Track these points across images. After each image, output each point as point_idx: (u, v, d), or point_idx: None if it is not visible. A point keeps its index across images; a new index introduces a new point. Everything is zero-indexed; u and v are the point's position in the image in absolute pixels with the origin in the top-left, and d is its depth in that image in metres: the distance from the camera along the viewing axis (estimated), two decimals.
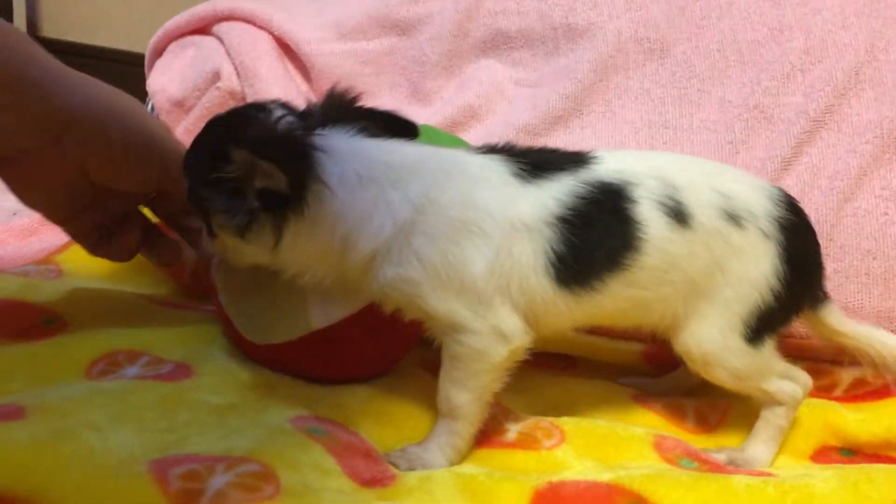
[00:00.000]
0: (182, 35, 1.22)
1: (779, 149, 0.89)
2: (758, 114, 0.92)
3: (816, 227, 0.85)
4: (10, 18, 2.09)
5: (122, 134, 0.65)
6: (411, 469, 0.63)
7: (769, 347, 0.71)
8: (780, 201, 0.71)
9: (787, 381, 0.73)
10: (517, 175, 0.65)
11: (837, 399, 0.83)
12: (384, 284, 0.63)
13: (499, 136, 0.93)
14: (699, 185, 0.69)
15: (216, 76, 1.10)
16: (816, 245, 0.75)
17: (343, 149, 0.63)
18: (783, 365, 0.73)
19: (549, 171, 0.66)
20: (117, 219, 0.73)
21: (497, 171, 0.65)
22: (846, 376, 0.84)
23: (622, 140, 0.93)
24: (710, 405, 0.80)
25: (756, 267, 0.69)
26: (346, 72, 1.07)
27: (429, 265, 0.62)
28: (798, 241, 0.71)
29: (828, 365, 0.84)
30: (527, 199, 0.64)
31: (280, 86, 1.05)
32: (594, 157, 0.68)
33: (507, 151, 0.68)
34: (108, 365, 0.69)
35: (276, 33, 1.11)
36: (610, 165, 0.67)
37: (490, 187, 0.64)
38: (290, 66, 1.11)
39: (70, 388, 0.63)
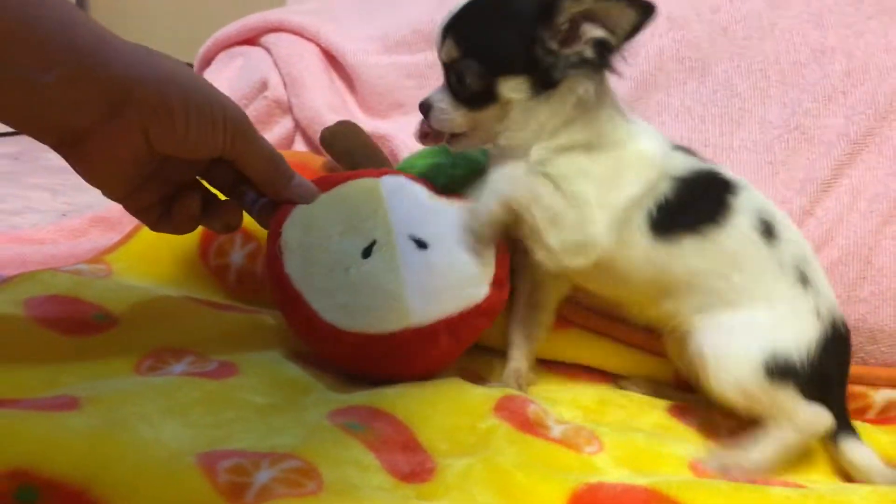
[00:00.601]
0: (231, 45, 1.25)
1: (819, 170, 0.90)
2: (798, 135, 0.92)
3: (855, 250, 0.86)
4: None
5: (183, 101, 0.64)
6: None
7: (791, 394, 0.71)
8: (840, 316, 0.77)
9: (804, 410, 0.72)
10: (669, 144, 0.79)
11: (870, 421, 0.83)
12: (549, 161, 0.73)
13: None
14: (793, 239, 0.77)
15: (263, 86, 1.13)
16: (846, 369, 0.78)
17: None
18: (814, 408, 0.72)
19: (684, 152, 0.79)
20: (177, 190, 0.71)
21: (658, 135, 0.79)
22: (879, 399, 0.84)
23: None
24: (742, 426, 0.80)
25: (800, 325, 0.73)
26: (389, 83, 1.09)
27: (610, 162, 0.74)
28: (838, 348, 0.75)
29: (861, 387, 0.84)
30: (665, 154, 0.76)
31: (325, 97, 1.07)
32: (720, 165, 0.81)
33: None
34: (156, 362, 0.71)
35: (322, 45, 1.14)
36: (730, 174, 0.79)
37: (655, 140, 0.78)
38: (335, 77, 1.13)
39: (121, 382, 0.66)
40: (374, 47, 1.11)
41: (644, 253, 0.74)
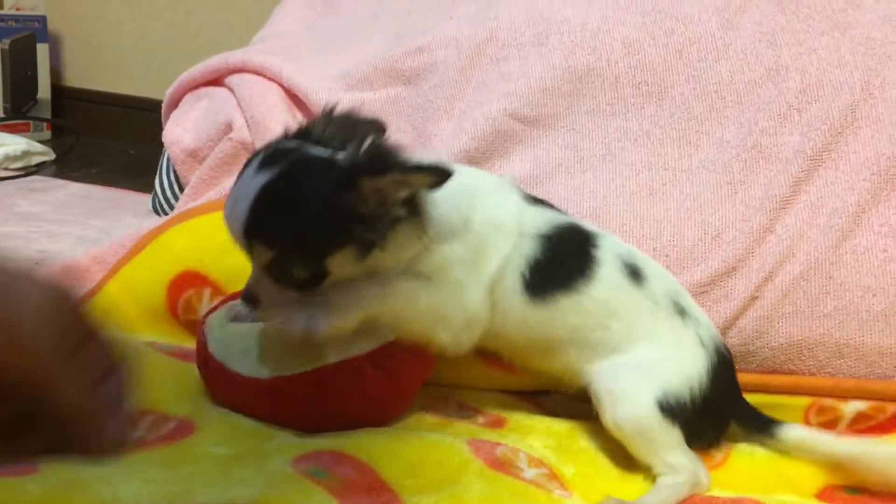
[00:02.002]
0: (196, 86, 1.26)
1: (777, 188, 0.90)
2: (756, 154, 0.93)
3: (816, 266, 0.87)
4: (34, 68, 2.15)
5: None
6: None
7: (678, 433, 0.73)
8: (718, 337, 0.80)
9: (690, 461, 0.73)
10: (524, 198, 0.79)
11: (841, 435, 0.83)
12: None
13: None
14: (660, 276, 0.80)
15: (228, 127, 1.13)
16: (737, 391, 0.80)
17: None
18: (691, 454, 0.73)
19: (543, 204, 0.80)
20: None
21: (514, 193, 0.79)
22: (849, 410, 0.84)
23: (622, 182, 0.94)
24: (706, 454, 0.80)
25: (687, 358, 0.75)
26: None
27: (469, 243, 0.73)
28: (724, 374, 0.77)
29: (831, 400, 0.85)
30: (528, 215, 0.77)
31: None
32: (578, 215, 0.83)
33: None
34: None
35: (285, 84, 1.14)
36: (586, 224, 0.81)
37: (511, 197, 0.78)
38: (299, 116, 1.13)
39: None
40: (336, 85, 1.11)
41: (524, 316, 0.75)
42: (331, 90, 1.10)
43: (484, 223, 0.74)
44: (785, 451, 0.76)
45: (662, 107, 0.98)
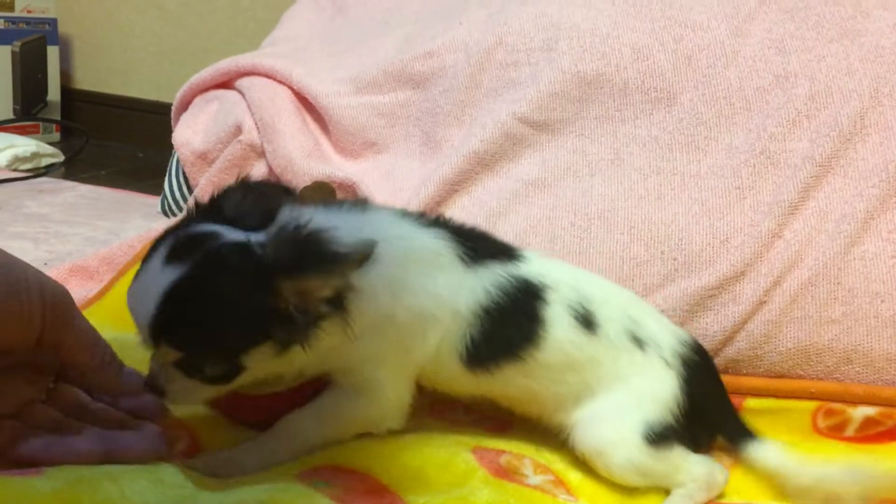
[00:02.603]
0: (206, 89, 1.26)
1: (786, 193, 0.90)
2: (764, 159, 0.93)
3: (824, 271, 0.87)
4: (45, 71, 2.17)
5: None
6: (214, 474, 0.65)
7: (678, 452, 0.71)
8: (687, 343, 0.76)
9: (701, 467, 0.72)
10: (461, 259, 0.70)
11: (848, 440, 0.83)
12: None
13: (509, 191, 0.97)
14: (612, 304, 0.75)
15: (238, 130, 1.14)
16: (720, 388, 0.78)
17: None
18: (697, 457, 0.72)
19: (484, 260, 0.71)
20: None
21: (448, 255, 0.70)
22: (857, 415, 0.84)
23: (631, 186, 0.94)
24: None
25: (658, 385, 0.73)
26: (361, 123, 1.10)
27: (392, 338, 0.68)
28: (700, 380, 0.75)
29: (839, 404, 0.84)
30: (466, 287, 0.69)
31: (297, 141, 1.08)
32: (523, 256, 0.74)
33: (452, 230, 0.72)
34: None
35: (295, 87, 1.15)
36: (534, 267, 0.73)
37: (443, 273, 0.69)
38: (308, 119, 1.14)
39: None
40: (346, 89, 1.12)
41: (468, 382, 0.72)
42: (340, 93, 1.11)
43: (410, 316, 0.67)
44: (752, 468, 0.75)
45: (671, 112, 0.98)
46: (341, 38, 1.27)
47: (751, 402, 0.85)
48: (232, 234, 0.62)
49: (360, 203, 0.70)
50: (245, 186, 0.67)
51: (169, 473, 0.63)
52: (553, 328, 0.71)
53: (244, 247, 0.61)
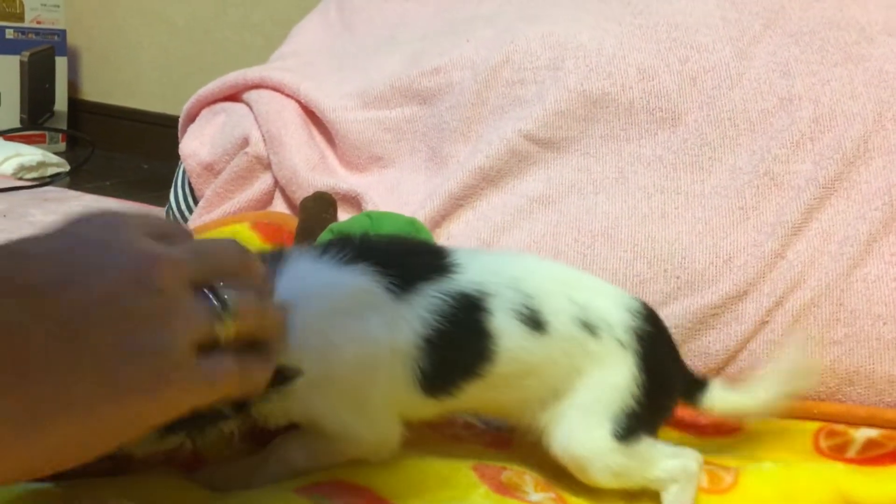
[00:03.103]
0: (214, 101, 1.27)
1: (789, 214, 0.91)
2: (768, 180, 0.94)
3: (827, 293, 0.87)
4: (52, 81, 2.18)
5: None
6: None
7: (645, 441, 0.71)
8: (638, 313, 0.73)
9: (674, 459, 0.71)
10: (389, 291, 0.66)
11: (850, 461, 0.83)
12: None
13: (513, 207, 0.97)
14: (556, 294, 0.71)
15: (245, 142, 1.15)
16: (675, 354, 0.77)
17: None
18: (667, 448, 0.72)
19: (414, 284, 0.67)
20: None
21: (375, 292, 0.66)
22: (860, 437, 0.84)
23: (635, 205, 0.95)
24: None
25: (615, 373, 0.71)
26: (368, 138, 1.11)
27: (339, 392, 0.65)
28: (656, 350, 0.73)
29: (841, 425, 0.84)
30: (400, 321, 0.65)
31: (303, 154, 1.09)
32: (455, 265, 0.69)
33: (376, 258, 0.67)
34: None
35: (302, 101, 1.16)
36: (469, 276, 0.69)
37: (374, 313, 0.66)
38: (314, 132, 1.15)
39: None
40: (353, 103, 1.13)
41: (437, 408, 0.70)
42: (347, 107, 1.12)
43: (349, 369, 0.65)
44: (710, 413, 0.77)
45: (676, 133, 0.99)
46: (349, 54, 1.28)
47: (751, 422, 0.85)
48: None
49: (276, 255, 0.67)
50: None
51: (175, 482, 0.63)
52: (502, 339, 0.68)
53: None
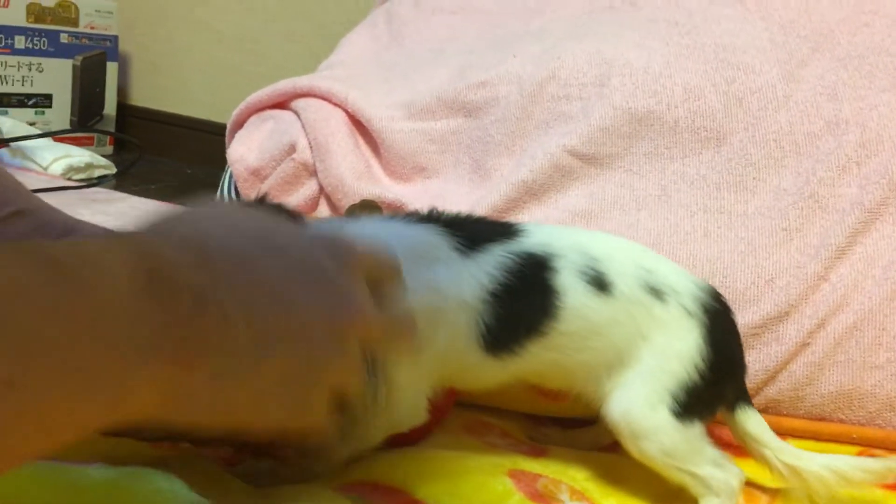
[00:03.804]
0: (262, 108, 1.30)
1: (833, 237, 0.91)
2: (813, 203, 0.94)
3: (870, 317, 0.87)
4: (103, 85, 2.23)
5: None
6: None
7: (700, 430, 0.71)
8: (706, 289, 0.74)
9: (719, 470, 0.71)
10: (457, 250, 0.69)
11: (889, 487, 0.81)
12: None
13: (556, 221, 0.98)
14: (622, 258, 0.73)
15: (292, 148, 1.17)
16: (739, 339, 0.77)
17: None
18: (716, 453, 0.72)
19: (481, 244, 0.70)
20: None
21: (443, 248, 0.69)
22: None
23: (677, 222, 0.95)
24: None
25: (680, 341, 0.71)
26: (413, 148, 1.13)
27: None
28: (722, 327, 0.73)
29: (881, 451, 0.83)
30: (467, 276, 0.68)
31: (349, 162, 1.10)
32: (522, 231, 0.73)
33: (445, 223, 0.71)
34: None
35: (350, 110, 1.17)
36: (535, 239, 0.72)
37: (441, 266, 0.68)
38: (360, 141, 1.17)
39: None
40: (399, 114, 1.14)
41: (492, 367, 0.71)
42: (394, 118, 1.14)
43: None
44: (734, 431, 0.75)
45: (720, 152, 0.99)
46: (396, 66, 1.30)
47: (791, 444, 0.84)
48: None
49: (346, 216, 0.71)
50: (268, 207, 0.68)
51: (217, 473, 0.65)
52: (567, 296, 0.70)
53: None
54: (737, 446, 0.78)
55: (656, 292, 0.71)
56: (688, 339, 0.71)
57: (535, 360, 0.71)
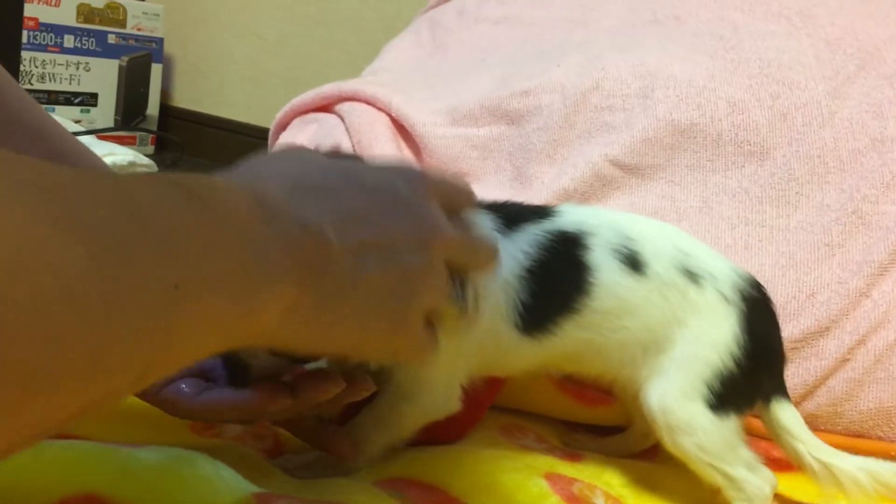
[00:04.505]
0: (307, 111, 1.32)
1: (876, 254, 0.90)
2: (856, 219, 0.94)
3: None
4: (147, 86, 2.27)
5: None
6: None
7: (735, 424, 0.70)
8: (745, 276, 0.73)
9: (752, 474, 0.70)
10: (496, 229, 0.70)
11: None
12: None
13: None
14: (658, 240, 0.72)
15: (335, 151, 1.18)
16: (778, 329, 0.75)
17: None
18: (749, 455, 0.71)
19: (518, 224, 0.71)
20: None
21: (482, 227, 0.70)
22: None
23: (718, 235, 0.95)
24: None
25: (716, 328, 0.70)
26: (455, 154, 1.14)
27: None
28: (760, 316, 0.72)
29: None
30: (504, 254, 0.67)
31: None
32: (558, 211, 0.73)
33: (484, 206, 0.72)
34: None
35: (393, 115, 1.19)
36: (570, 217, 0.72)
37: None
38: (403, 146, 1.18)
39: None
40: (442, 120, 1.16)
41: (534, 351, 0.71)
42: (437, 123, 1.15)
43: None
44: (767, 424, 0.74)
45: (763, 166, 0.99)
46: (440, 73, 1.31)
47: None
48: None
49: None
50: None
51: (259, 462, 0.66)
52: (600, 273, 0.70)
53: None
54: (774, 460, 0.78)
55: (692, 276, 0.71)
56: (724, 325, 0.70)
57: (570, 341, 0.71)
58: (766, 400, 0.74)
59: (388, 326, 0.49)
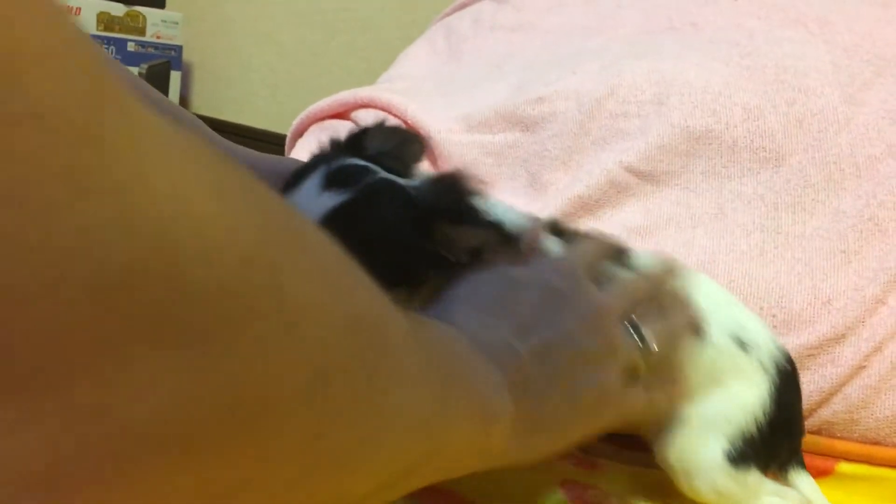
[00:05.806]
0: (323, 118, 1.33)
1: (892, 261, 0.90)
2: (872, 226, 0.93)
3: None
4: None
5: None
6: None
7: (755, 475, 0.71)
8: (781, 349, 0.76)
9: (776, 497, 0.72)
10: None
11: None
12: None
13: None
14: (720, 313, 0.74)
15: None
16: (801, 402, 0.78)
17: None
18: (772, 485, 0.72)
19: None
20: None
21: None
22: None
23: (733, 241, 0.95)
24: None
25: (748, 392, 0.72)
26: (470, 160, 1.14)
27: None
28: (788, 388, 0.74)
29: None
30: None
31: None
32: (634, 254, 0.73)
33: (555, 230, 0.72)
34: None
35: (409, 121, 1.20)
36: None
37: None
38: None
39: None
40: (458, 126, 1.16)
41: None
42: (452, 130, 1.16)
43: None
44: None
45: (779, 173, 0.99)
46: (455, 80, 1.32)
47: (843, 467, 0.84)
48: (385, 176, 0.62)
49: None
50: (385, 130, 0.71)
51: None
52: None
53: (400, 185, 0.61)
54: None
55: (743, 345, 0.74)
56: (755, 392, 0.73)
57: None
58: (783, 469, 0.75)
59: (594, 405, 0.54)
